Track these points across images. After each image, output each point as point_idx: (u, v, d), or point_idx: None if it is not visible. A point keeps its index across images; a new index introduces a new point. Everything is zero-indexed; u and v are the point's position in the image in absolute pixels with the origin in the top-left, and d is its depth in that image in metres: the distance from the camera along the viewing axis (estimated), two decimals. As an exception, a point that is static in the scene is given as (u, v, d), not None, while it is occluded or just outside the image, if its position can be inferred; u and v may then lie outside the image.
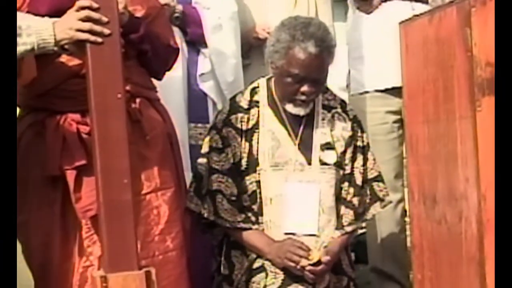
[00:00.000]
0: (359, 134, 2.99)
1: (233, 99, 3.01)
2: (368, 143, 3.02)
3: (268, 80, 3.00)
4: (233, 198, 2.88)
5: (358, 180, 2.95)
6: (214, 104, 3.45)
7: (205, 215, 2.87)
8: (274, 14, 3.52)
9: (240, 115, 2.92)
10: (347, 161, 2.94)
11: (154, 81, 2.89)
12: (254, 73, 3.51)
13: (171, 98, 3.23)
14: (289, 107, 2.90)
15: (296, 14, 3.12)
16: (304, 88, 2.83)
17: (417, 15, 2.56)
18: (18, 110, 2.65)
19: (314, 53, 2.80)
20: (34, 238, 2.58)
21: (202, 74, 3.47)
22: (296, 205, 2.85)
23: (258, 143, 2.91)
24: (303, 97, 2.85)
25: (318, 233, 2.86)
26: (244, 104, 2.95)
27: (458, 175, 2.23)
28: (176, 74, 3.29)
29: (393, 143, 3.77)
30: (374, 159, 3.00)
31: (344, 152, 2.94)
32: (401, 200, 3.75)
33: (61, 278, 2.57)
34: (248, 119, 2.93)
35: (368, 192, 2.97)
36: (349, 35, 3.91)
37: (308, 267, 2.77)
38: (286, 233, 2.85)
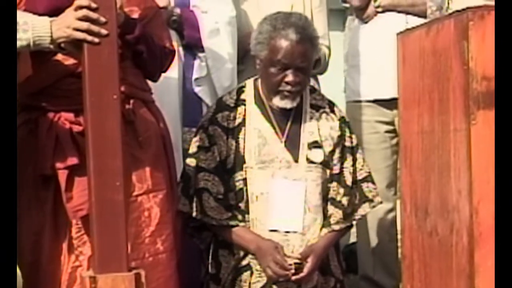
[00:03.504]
0: (348, 134, 2.98)
1: (220, 98, 3.03)
2: (357, 144, 3.02)
3: (255, 80, 3.01)
4: (220, 196, 2.87)
5: (348, 181, 2.95)
6: (209, 108, 3.44)
7: (193, 214, 2.87)
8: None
9: (226, 113, 2.93)
10: (335, 161, 2.94)
11: (150, 84, 2.88)
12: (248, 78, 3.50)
13: (166, 101, 3.23)
14: (276, 100, 2.89)
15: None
16: (289, 77, 2.83)
17: (414, 27, 2.56)
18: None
19: (295, 40, 2.81)
20: (25, 236, 2.56)
21: (197, 78, 3.47)
22: (281, 202, 2.85)
23: (244, 140, 2.90)
24: (288, 87, 2.85)
25: (303, 232, 2.86)
26: (230, 102, 2.96)
27: (450, 187, 2.23)
28: (171, 77, 3.29)
29: (385, 152, 3.78)
30: (363, 160, 3.00)
31: (332, 152, 2.94)
32: (392, 209, 3.76)
33: (50, 277, 2.56)
34: (235, 117, 2.93)
35: (357, 192, 2.97)
36: (347, 42, 3.93)
37: (294, 277, 2.78)
38: (271, 230, 2.85)
